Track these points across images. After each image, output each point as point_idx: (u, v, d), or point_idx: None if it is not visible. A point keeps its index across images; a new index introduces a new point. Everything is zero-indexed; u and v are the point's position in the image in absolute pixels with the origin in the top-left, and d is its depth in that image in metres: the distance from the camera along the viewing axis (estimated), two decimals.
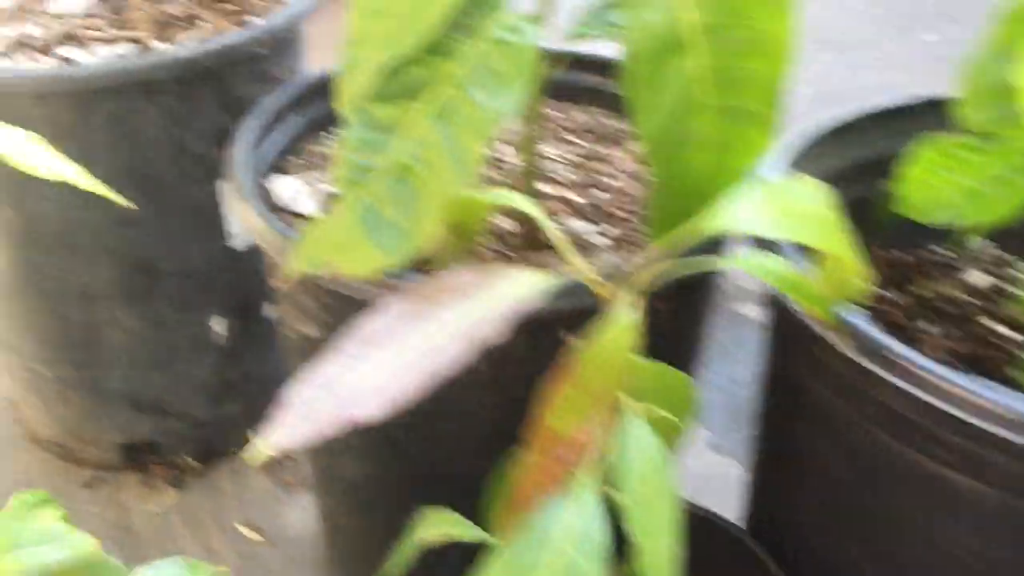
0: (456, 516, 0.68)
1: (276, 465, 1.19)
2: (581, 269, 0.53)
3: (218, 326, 1.10)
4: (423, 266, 0.74)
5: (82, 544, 0.53)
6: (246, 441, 1.21)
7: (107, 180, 0.98)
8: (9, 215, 0.97)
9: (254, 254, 1.09)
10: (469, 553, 0.76)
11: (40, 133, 0.65)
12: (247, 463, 1.19)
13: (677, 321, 0.74)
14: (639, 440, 0.53)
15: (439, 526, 0.68)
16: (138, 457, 1.16)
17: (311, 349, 0.79)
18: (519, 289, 0.49)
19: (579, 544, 0.51)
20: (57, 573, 0.53)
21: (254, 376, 1.17)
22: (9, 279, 1.02)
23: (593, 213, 0.85)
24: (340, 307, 0.73)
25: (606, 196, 0.88)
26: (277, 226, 0.73)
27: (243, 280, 1.09)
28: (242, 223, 0.76)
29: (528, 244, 0.80)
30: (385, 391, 0.44)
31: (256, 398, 1.19)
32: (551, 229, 0.55)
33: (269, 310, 1.14)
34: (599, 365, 0.50)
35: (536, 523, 0.52)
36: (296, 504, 1.16)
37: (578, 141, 0.96)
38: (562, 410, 0.51)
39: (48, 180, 0.96)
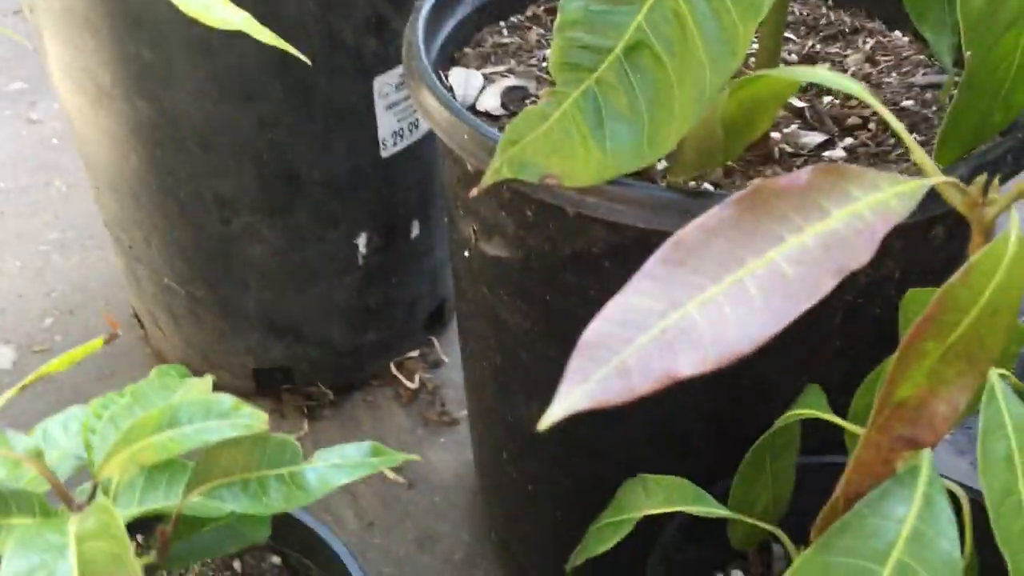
0: (694, 487, 0.55)
1: (415, 400, 1.09)
2: (929, 171, 0.39)
3: (362, 244, 0.98)
4: (650, 177, 0.60)
5: (254, 419, 0.44)
6: (385, 372, 1.10)
7: (248, 72, 0.86)
8: (143, 109, 0.86)
9: (405, 165, 0.96)
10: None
11: None
12: (395, 399, 1.09)
13: None
14: (1014, 413, 0.39)
15: (668, 496, 0.56)
16: (270, 384, 1.06)
17: (499, 275, 0.66)
18: (883, 197, 0.34)
19: (922, 555, 0.38)
20: (224, 448, 0.46)
21: (396, 302, 1.05)
22: (140, 181, 0.92)
23: (818, 120, 0.69)
24: (547, 224, 0.60)
25: (832, 101, 0.72)
26: (473, 120, 0.59)
27: (391, 194, 0.97)
28: (426, 116, 0.62)
29: (759, 156, 0.66)
30: (722, 338, 0.31)
31: (397, 327, 1.08)
32: (894, 121, 0.40)
33: (416, 229, 1.02)
34: (984, 307, 0.35)
35: (863, 522, 0.39)
36: (438, 444, 1.05)
37: (794, 37, 0.80)
38: (915, 371, 0.37)
39: (186, 72, 0.85)
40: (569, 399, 0.29)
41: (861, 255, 0.33)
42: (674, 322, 0.31)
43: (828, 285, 0.32)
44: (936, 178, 0.36)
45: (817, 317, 0.60)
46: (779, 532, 0.56)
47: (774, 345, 0.63)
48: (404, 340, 1.10)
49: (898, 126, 0.40)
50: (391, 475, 1.02)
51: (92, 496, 0.45)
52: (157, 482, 0.51)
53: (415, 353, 1.11)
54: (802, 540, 0.58)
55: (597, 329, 0.31)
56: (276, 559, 0.67)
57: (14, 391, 0.49)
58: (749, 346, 0.31)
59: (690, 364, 0.31)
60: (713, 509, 0.54)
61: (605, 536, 0.57)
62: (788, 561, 0.66)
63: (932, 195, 0.52)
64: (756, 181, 0.35)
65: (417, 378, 1.09)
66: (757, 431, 0.58)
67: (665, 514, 0.60)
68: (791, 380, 0.61)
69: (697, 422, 0.65)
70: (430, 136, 0.97)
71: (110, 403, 0.51)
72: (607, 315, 0.31)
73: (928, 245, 0.59)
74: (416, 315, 1.09)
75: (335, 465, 0.46)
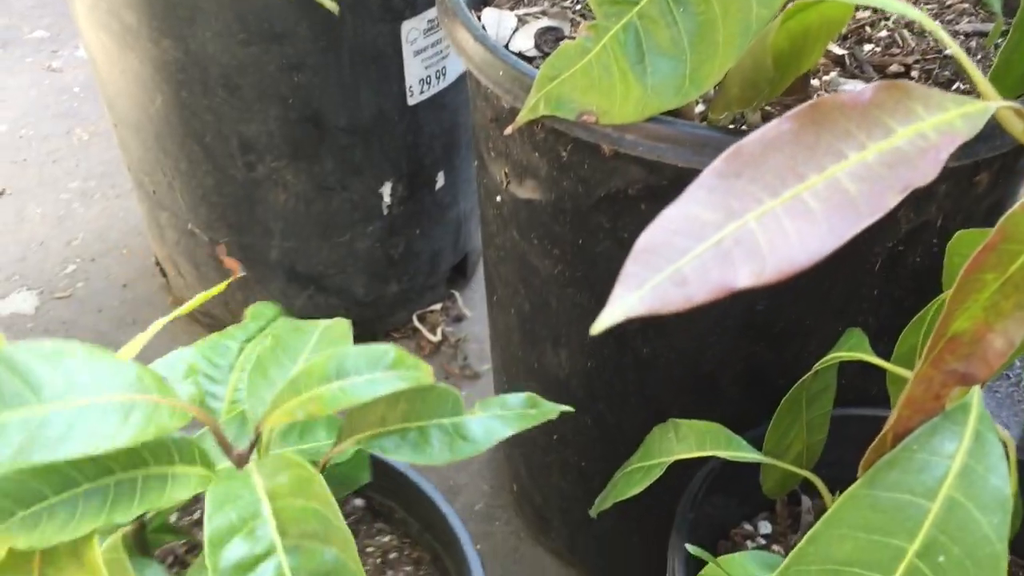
0: (727, 432, 0.55)
1: (437, 353, 1.08)
2: (992, 98, 0.37)
3: (386, 194, 0.97)
4: (687, 117, 0.59)
5: (421, 371, 0.42)
6: (407, 324, 1.10)
7: (274, 12, 0.85)
8: (169, 49, 0.85)
9: (432, 114, 0.95)
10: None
11: None
12: (416, 351, 1.08)
13: None
14: None
15: (700, 440, 0.55)
16: None
17: (530, 219, 0.65)
18: (949, 117, 0.33)
19: (972, 490, 0.37)
20: (381, 398, 0.42)
21: (420, 253, 1.04)
22: (165, 124, 0.91)
23: (859, 68, 0.68)
24: (582, 164, 0.59)
25: (872, 49, 0.70)
26: (509, 56, 0.58)
27: (417, 143, 0.96)
28: (460, 53, 0.61)
29: (798, 102, 0.64)
30: (780, 250, 0.30)
31: (420, 279, 1.07)
32: (954, 46, 0.39)
33: (441, 180, 1.01)
34: None
35: (912, 457, 0.38)
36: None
37: None
38: (972, 304, 0.36)
39: (212, 12, 0.84)
40: (624, 304, 0.28)
41: (927, 173, 0.32)
42: (732, 232, 0.30)
43: (892, 202, 0.31)
44: (1000, 102, 0.35)
45: (855, 263, 0.59)
46: (814, 477, 0.55)
47: (810, 290, 0.62)
48: (426, 293, 1.09)
49: (958, 51, 0.38)
50: None
51: (254, 446, 0.44)
52: (311, 433, 0.50)
53: (437, 306, 1.11)
54: (833, 490, 0.57)
55: (652, 236, 0.30)
56: (359, 501, 0.66)
57: (147, 337, 0.48)
58: (808, 260, 0.30)
59: (748, 275, 0.30)
60: (747, 454, 0.54)
61: (634, 480, 0.57)
62: (816, 512, 0.65)
63: (983, 137, 0.51)
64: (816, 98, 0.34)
65: (439, 331, 1.09)
66: (789, 380, 0.57)
67: (692, 463, 0.59)
68: (826, 327, 0.60)
69: (728, 369, 0.64)
70: (457, 85, 0.96)
71: (218, 346, 0.50)
72: (663, 223, 0.30)
73: (972, 191, 0.57)
74: (439, 268, 1.08)
75: (498, 416, 0.44)
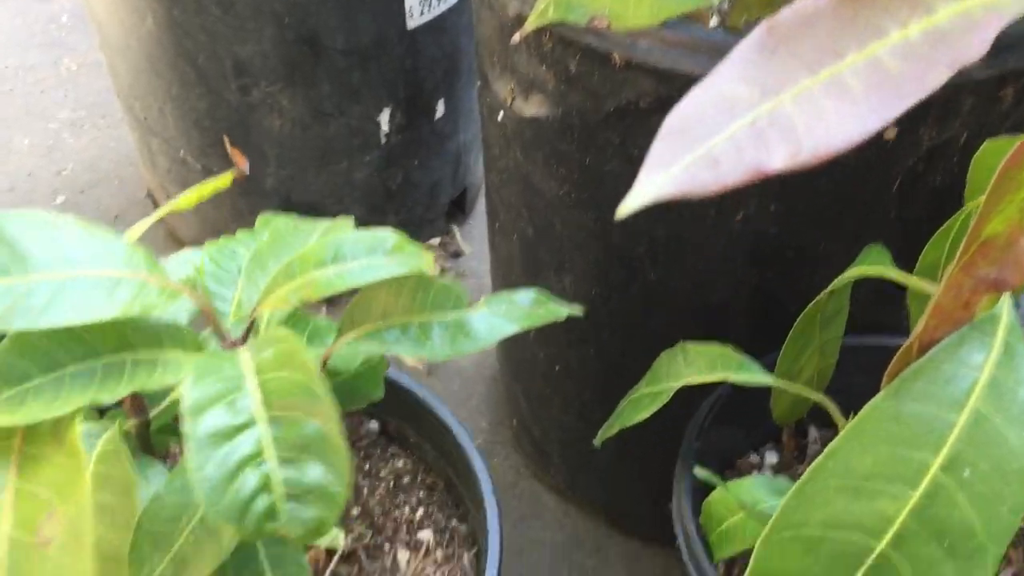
0: (738, 355, 0.53)
1: None
2: None
3: (384, 121, 0.94)
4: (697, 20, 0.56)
5: (421, 259, 0.41)
6: None
7: None
8: None
9: (432, 38, 0.92)
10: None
11: None
12: None
13: None
14: None
15: (711, 364, 0.53)
16: None
17: (535, 137, 0.63)
18: None
19: (1000, 403, 0.35)
20: (381, 290, 0.42)
21: (418, 185, 1.02)
22: (156, 44, 0.88)
23: None
24: (591, 76, 0.56)
25: None
26: None
27: (416, 68, 0.93)
28: None
29: None
30: (818, 132, 0.28)
31: (418, 211, 1.05)
32: None
33: (441, 108, 0.98)
34: None
35: (938, 367, 0.36)
36: None
37: None
38: (1007, 204, 0.34)
39: None
40: (653, 185, 0.26)
41: (974, 50, 0.30)
42: (766, 112, 0.28)
43: (937, 81, 0.29)
44: None
45: (874, 183, 0.57)
46: (826, 400, 0.53)
47: (825, 212, 0.59)
48: (424, 226, 1.07)
49: None
50: (411, 362, 1.00)
51: (248, 332, 0.42)
52: (318, 338, 0.48)
53: (435, 241, 1.09)
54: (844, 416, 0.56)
55: (682, 114, 0.28)
56: (374, 424, 0.65)
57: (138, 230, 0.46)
58: (846, 143, 0.28)
59: (783, 157, 0.28)
60: (759, 377, 0.52)
61: (642, 405, 0.55)
62: (824, 442, 0.64)
63: (1011, 46, 0.48)
64: None
65: (438, 266, 1.07)
66: (800, 310, 0.55)
67: (697, 395, 0.58)
68: (840, 252, 0.58)
69: (738, 297, 0.62)
70: (458, 8, 0.93)
71: (226, 249, 0.49)
72: (693, 100, 0.28)
73: (997, 107, 0.55)
74: (438, 200, 1.06)
75: (503, 313, 0.42)
